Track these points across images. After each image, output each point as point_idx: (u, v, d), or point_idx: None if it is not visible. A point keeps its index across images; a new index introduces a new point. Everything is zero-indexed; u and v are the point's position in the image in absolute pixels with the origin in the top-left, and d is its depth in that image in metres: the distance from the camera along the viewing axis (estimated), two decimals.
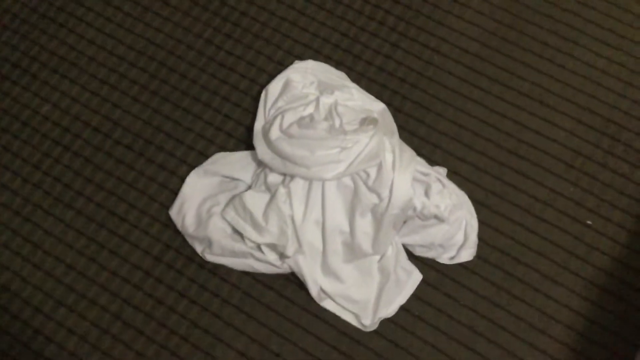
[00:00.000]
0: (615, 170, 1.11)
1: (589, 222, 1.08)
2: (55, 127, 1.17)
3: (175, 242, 1.09)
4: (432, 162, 1.11)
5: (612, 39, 1.19)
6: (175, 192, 1.12)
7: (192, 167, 1.13)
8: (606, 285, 1.04)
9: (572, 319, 1.03)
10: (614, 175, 1.11)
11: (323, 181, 1.02)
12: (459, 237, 1.05)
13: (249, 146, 1.12)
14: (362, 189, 1.01)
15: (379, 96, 1.15)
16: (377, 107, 1.12)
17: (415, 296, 1.04)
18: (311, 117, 1.06)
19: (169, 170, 1.14)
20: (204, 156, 1.14)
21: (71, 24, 1.24)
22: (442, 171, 1.10)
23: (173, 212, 1.10)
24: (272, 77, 1.16)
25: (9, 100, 1.19)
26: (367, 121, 1.05)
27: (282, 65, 1.19)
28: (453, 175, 1.11)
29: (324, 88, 1.12)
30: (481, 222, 1.07)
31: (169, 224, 1.10)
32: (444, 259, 1.06)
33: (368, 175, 1.01)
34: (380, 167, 1.00)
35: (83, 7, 1.25)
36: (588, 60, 1.18)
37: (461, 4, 1.24)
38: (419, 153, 1.10)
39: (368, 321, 1.02)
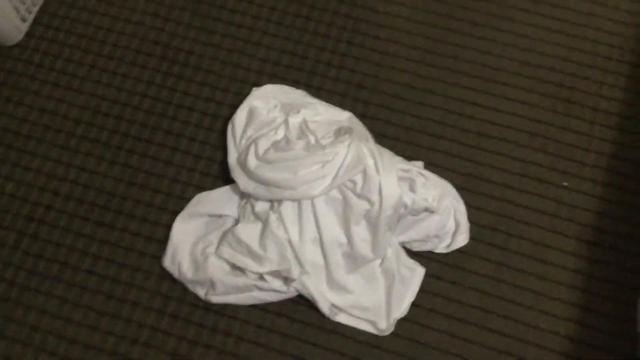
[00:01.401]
0: (576, 130, 1.17)
1: (565, 183, 1.13)
2: (25, 203, 1.13)
3: (175, 292, 1.07)
4: (407, 157, 1.13)
5: (545, 9, 1.25)
6: (163, 242, 1.10)
7: (174, 213, 1.11)
8: (594, 239, 1.09)
9: (572, 278, 1.07)
10: (576, 134, 1.17)
11: (312, 199, 1.03)
12: (451, 225, 1.08)
13: (228, 181, 1.12)
14: (352, 197, 1.02)
15: (342, 106, 1.17)
16: (344, 116, 1.14)
17: (423, 290, 1.06)
18: (286, 139, 1.06)
19: (152, 221, 1.12)
20: (184, 199, 1.12)
21: (17, 96, 1.21)
22: (420, 164, 1.12)
23: (167, 262, 1.08)
24: (233, 108, 1.16)
25: None
26: (342, 131, 1.07)
27: (240, 95, 1.19)
28: (430, 166, 1.14)
29: (289, 109, 1.13)
30: (467, 206, 1.10)
31: (164, 274, 1.08)
32: (441, 248, 1.09)
33: (355, 183, 1.02)
34: (364, 173, 1.02)
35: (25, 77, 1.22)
36: (527, 34, 1.24)
37: (396, 3, 1.27)
38: (394, 152, 1.12)
39: (384, 325, 1.03)
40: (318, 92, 1.20)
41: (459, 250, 1.09)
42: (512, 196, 1.13)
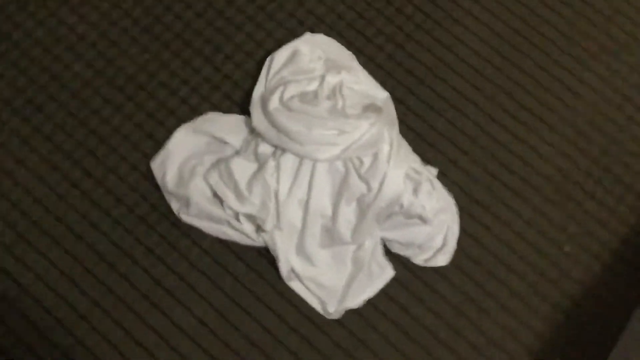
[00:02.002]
0: (601, 202, 1.11)
1: (566, 248, 1.08)
2: (46, 53, 1.11)
3: (152, 196, 1.06)
4: (424, 159, 1.09)
5: (625, 71, 1.18)
6: (160, 144, 1.08)
7: (181, 121, 1.09)
8: (570, 312, 1.05)
9: (531, 342, 1.03)
10: (599, 206, 1.11)
11: (315, 161, 1.00)
12: (438, 241, 1.05)
13: (244, 111, 1.09)
14: (353, 176, 0.99)
15: (383, 84, 1.12)
16: (382, 95, 1.09)
17: (385, 292, 1.03)
18: (315, 93, 1.03)
19: (157, 120, 1.10)
20: (195, 112, 1.10)
21: None
22: (434, 171, 1.08)
23: (155, 164, 1.06)
24: (279, 44, 1.13)
25: None
26: (372, 108, 1.03)
27: (292, 34, 1.15)
28: (442, 177, 1.09)
29: (331, 66, 1.09)
30: (462, 230, 1.07)
31: (149, 175, 1.06)
32: (419, 260, 1.05)
33: (362, 163, 0.99)
34: (375, 157, 0.98)
35: None
36: (596, 87, 1.17)
37: (481, 6, 1.21)
38: (413, 149, 1.09)
39: (333, 309, 1.01)
40: (367, 61, 1.16)
41: (435, 269, 1.05)
42: (509, 239, 1.08)
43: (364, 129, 0.98)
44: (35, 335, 0.98)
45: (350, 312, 1.02)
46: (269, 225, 0.99)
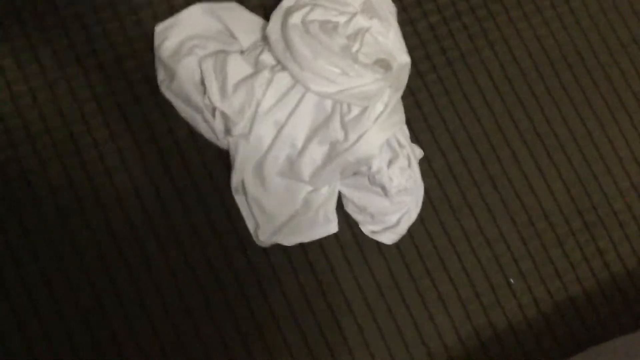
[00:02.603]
0: (567, 253, 1.07)
1: (512, 280, 1.05)
2: None
3: (143, 58, 1.04)
4: (416, 139, 1.06)
5: None
6: (172, 12, 1.05)
7: None
8: (487, 340, 1.02)
9: (437, 350, 1.01)
10: (563, 256, 1.07)
11: (307, 90, 0.96)
12: (392, 219, 1.02)
13: (266, 16, 1.05)
14: (336, 120, 0.96)
15: (411, 51, 1.07)
16: (403, 59, 1.04)
17: (319, 243, 1.01)
18: (336, 26, 0.99)
19: None
20: None
21: None
22: (418, 153, 1.04)
23: (159, 27, 1.03)
24: None
25: None
26: (383, 64, 0.99)
27: None
28: (425, 163, 1.06)
29: (368, 8, 1.04)
30: (419, 219, 1.03)
31: (149, 38, 1.04)
32: (367, 229, 1.03)
33: (349, 110, 0.96)
34: (364, 111, 0.95)
35: None
36: (614, 141, 1.12)
37: (564, 29, 1.16)
38: (410, 123, 1.05)
39: (264, 237, 0.99)
40: (405, 23, 1.11)
41: (378, 244, 1.03)
42: (461, 249, 1.05)
43: (365, 80, 0.95)
44: None
45: (279, 247, 1.00)
46: (237, 131, 0.97)
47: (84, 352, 0.93)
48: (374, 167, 0.96)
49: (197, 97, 0.99)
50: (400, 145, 0.99)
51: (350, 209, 1.03)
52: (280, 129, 0.98)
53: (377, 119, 0.95)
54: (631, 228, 1.09)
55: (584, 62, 1.15)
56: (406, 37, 1.08)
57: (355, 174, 0.99)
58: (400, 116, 1.00)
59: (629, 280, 1.07)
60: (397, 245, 1.03)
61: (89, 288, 0.95)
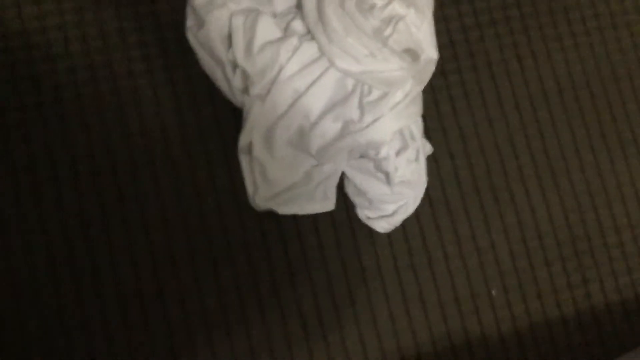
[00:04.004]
0: (553, 276, 1.08)
1: (494, 292, 1.05)
2: None
3: (176, 2, 1.03)
4: (428, 136, 1.06)
5: None
6: None
7: None
8: (458, 345, 1.03)
9: (408, 344, 1.01)
10: (548, 278, 1.07)
11: (331, 65, 0.96)
12: (389, 208, 1.02)
13: None
14: (354, 100, 0.96)
15: (440, 48, 1.07)
16: (431, 54, 1.04)
17: (312, 218, 1.01)
18: (372, 7, 0.98)
19: None
20: None
21: None
22: (428, 149, 1.05)
23: None
24: None
25: None
26: (411, 54, 0.98)
27: None
28: (432, 162, 1.06)
29: None
30: (415, 214, 1.04)
31: None
32: (363, 214, 1.03)
33: (369, 93, 0.96)
34: (384, 96, 0.95)
35: None
36: (619, 177, 1.13)
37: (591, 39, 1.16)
38: (425, 119, 1.05)
39: (260, 201, 0.99)
40: (440, 19, 1.10)
41: (370, 230, 1.03)
42: (450, 253, 1.05)
43: (391, 66, 0.94)
44: None
45: (270, 215, 1.00)
46: (255, 91, 0.97)
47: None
48: (382, 153, 0.96)
49: (221, 51, 0.99)
50: (412, 137, 0.99)
51: (350, 190, 1.03)
52: (297, 98, 0.98)
53: (395, 106, 0.95)
54: (619, 264, 1.10)
55: (606, 93, 1.15)
56: (438, 33, 1.07)
57: (362, 156, 0.99)
58: (418, 109, 1.00)
59: (608, 314, 1.08)
60: (389, 235, 1.03)
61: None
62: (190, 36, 1.01)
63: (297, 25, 0.99)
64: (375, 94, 0.95)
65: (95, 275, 0.95)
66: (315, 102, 0.98)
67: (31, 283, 0.93)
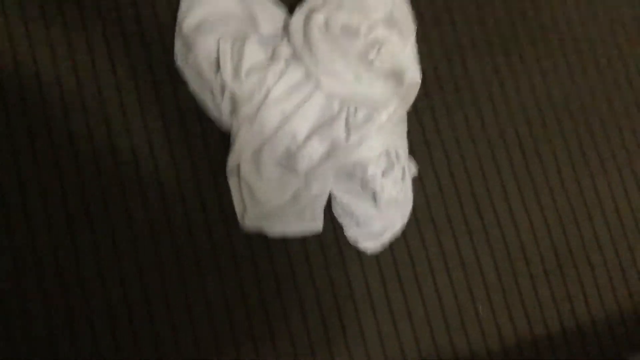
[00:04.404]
0: (537, 293, 1.10)
1: (480, 308, 1.07)
2: None
3: (165, 27, 1.05)
4: (413, 155, 1.08)
5: None
6: None
7: None
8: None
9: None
10: (533, 296, 1.09)
11: (318, 87, 0.99)
12: (377, 227, 1.03)
13: (291, 8, 1.07)
14: (341, 120, 0.98)
15: (422, 70, 1.10)
16: (414, 76, 1.07)
17: (301, 238, 1.03)
18: (357, 31, 1.01)
19: None
20: None
21: None
22: (414, 169, 1.07)
23: (185, 3, 1.05)
24: None
25: None
26: (396, 77, 1.01)
27: None
28: (417, 181, 1.08)
29: (389, 22, 1.06)
30: (402, 234, 1.05)
31: (174, 8, 1.06)
32: (350, 234, 1.04)
33: (356, 114, 0.98)
34: (369, 117, 0.97)
35: None
36: (600, 192, 1.16)
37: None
38: (409, 139, 1.07)
39: (249, 222, 1.00)
40: (430, 43, 1.14)
41: (357, 252, 1.04)
42: (438, 268, 1.07)
43: (376, 88, 0.97)
44: None
45: (258, 238, 1.01)
46: (243, 113, 0.99)
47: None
48: (369, 173, 0.99)
49: (210, 74, 1.01)
50: (397, 157, 1.01)
51: (337, 211, 1.05)
52: (284, 120, 1.00)
53: (380, 127, 0.97)
54: (603, 279, 1.12)
55: (584, 112, 1.19)
56: (421, 56, 1.10)
57: (349, 177, 1.01)
58: (403, 129, 1.02)
59: (592, 329, 1.10)
60: (375, 256, 1.05)
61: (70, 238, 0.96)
62: (180, 61, 1.03)
63: (284, 48, 1.02)
64: (361, 115, 0.98)
65: (84, 291, 0.95)
66: (302, 123, 1.00)
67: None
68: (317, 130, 0.99)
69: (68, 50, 1.02)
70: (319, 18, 1.01)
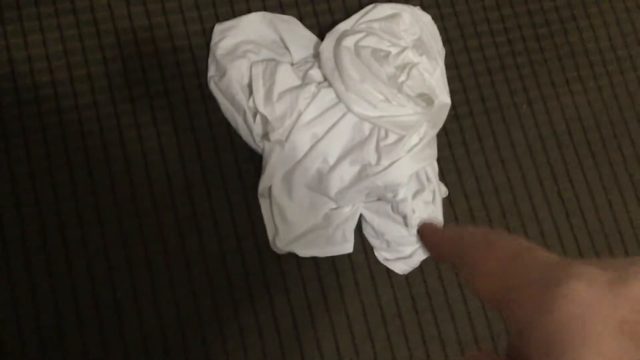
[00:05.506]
0: None
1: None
2: None
3: (198, 52, 1.08)
4: (443, 178, 1.08)
5: None
6: (234, 15, 1.10)
7: (264, 9, 1.10)
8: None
9: None
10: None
11: (349, 111, 1.00)
12: (407, 250, 1.03)
13: (321, 34, 1.09)
14: (372, 144, 0.99)
15: (452, 94, 1.11)
16: (444, 99, 1.08)
17: (331, 260, 1.03)
18: (387, 55, 1.02)
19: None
20: (278, 9, 1.11)
21: None
22: (444, 191, 1.07)
23: (219, 28, 1.08)
24: None
25: None
26: (425, 99, 1.02)
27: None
28: (447, 204, 1.08)
29: (419, 46, 1.08)
30: (430, 258, 1.05)
31: (208, 33, 1.08)
32: (381, 255, 1.04)
33: (386, 136, 0.99)
34: (400, 140, 0.98)
35: None
36: (632, 216, 1.14)
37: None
38: (440, 162, 1.07)
39: (281, 244, 1.01)
40: (459, 67, 1.15)
41: (388, 271, 1.04)
42: (471, 295, 1.06)
43: (406, 111, 0.98)
44: None
45: (292, 256, 1.02)
46: (275, 136, 1.00)
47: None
48: (400, 195, 0.99)
49: (242, 98, 1.03)
50: (428, 179, 1.01)
51: (368, 232, 1.05)
52: (316, 143, 1.01)
53: (411, 149, 0.98)
54: None
55: (615, 136, 1.18)
56: (450, 79, 1.11)
57: (379, 199, 1.02)
58: (433, 152, 1.02)
59: None
60: (406, 276, 1.05)
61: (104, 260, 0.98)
62: (212, 85, 1.05)
63: (315, 73, 1.03)
64: (392, 137, 0.98)
65: (118, 318, 0.96)
66: (333, 146, 1.01)
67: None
68: (348, 152, 1.00)
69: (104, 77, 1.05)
70: (348, 43, 1.03)
